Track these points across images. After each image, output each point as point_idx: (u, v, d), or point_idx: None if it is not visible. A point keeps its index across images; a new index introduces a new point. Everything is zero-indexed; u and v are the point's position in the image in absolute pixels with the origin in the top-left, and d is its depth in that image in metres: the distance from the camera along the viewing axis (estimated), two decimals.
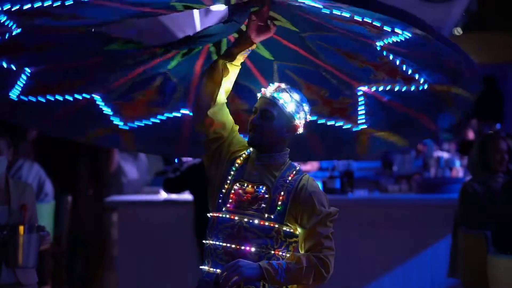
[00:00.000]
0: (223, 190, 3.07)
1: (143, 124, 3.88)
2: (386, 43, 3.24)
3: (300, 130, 3.12)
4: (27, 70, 3.56)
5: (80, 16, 3.19)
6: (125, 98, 3.81)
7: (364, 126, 3.76)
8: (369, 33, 3.19)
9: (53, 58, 3.58)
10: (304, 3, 2.99)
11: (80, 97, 3.74)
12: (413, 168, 7.62)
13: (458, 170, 7.42)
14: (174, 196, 6.53)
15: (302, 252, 2.99)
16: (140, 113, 3.87)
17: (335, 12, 3.00)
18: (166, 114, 3.88)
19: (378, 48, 3.31)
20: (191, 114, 3.76)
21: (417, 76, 3.47)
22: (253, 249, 2.93)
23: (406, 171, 7.47)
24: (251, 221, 2.96)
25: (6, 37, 3.23)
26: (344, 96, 3.72)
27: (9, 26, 3.14)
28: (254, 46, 3.24)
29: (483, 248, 4.80)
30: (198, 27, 4.32)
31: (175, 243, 6.48)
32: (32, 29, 3.25)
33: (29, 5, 2.95)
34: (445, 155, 7.96)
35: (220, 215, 3.03)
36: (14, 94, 3.63)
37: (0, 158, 4.15)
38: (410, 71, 3.44)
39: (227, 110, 3.23)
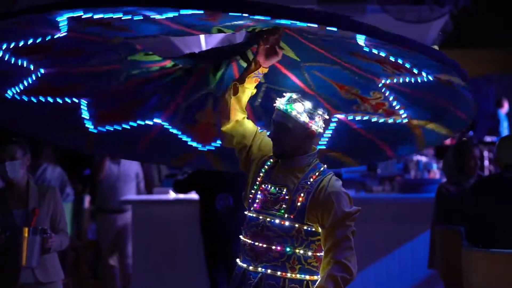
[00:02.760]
0: (252, 191, 3.01)
1: (112, 129, 3.78)
2: (394, 82, 3.17)
3: (320, 130, 2.96)
4: (41, 70, 3.41)
5: (130, 30, 3.07)
6: (112, 105, 3.72)
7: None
8: (379, 71, 3.13)
9: (71, 63, 3.44)
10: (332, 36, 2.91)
11: (69, 101, 3.62)
12: (395, 171, 7.61)
13: (435, 172, 7.44)
14: (182, 196, 6.55)
15: (323, 248, 2.85)
16: (115, 119, 3.76)
17: (374, 51, 2.91)
18: (138, 122, 3.76)
19: (380, 85, 3.26)
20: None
21: (401, 112, 3.42)
22: (274, 247, 2.85)
23: (389, 173, 7.46)
24: (272, 220, 2.87)
25: (47, 39, 3.08)
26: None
27: (59, 28, 2.96)
28: (265, 70, 3.13)
29: (457, 243, 4.82)
30: (203, 46, 4.27)
31: (183, 238, 6.49)
32: (77, 34, 3.09)
33: (101, 15, 2.81)
34: (423, 159, 7.98)
35: (250, 214, 2.98)
36: (11, 92, 3.50)
37: (14, 163, 4.00)
38: (397, 107, 3.40)
39: (247, 122, 3.13)
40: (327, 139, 3.73)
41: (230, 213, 5.91)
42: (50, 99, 3.59)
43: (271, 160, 3.01)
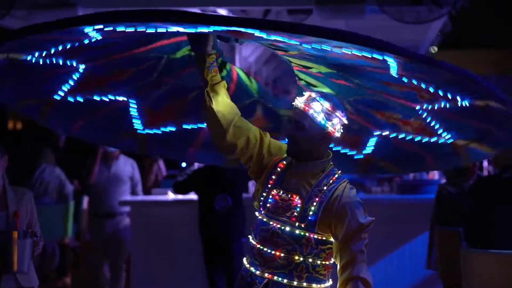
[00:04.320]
0: (264, 194, 2.88)
1: (157, 132, 3.71)
2: (433, 107, 3.11)
3: (337, 134, 2.86)
4: (82, 66, 3.30)
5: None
6: (157, 105, 3.63)
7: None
8: (415, 97, 3.06)
9: (107, 53, 3.27)
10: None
11: (120, 99, 3.53)
12: None
13: (434, 173, 7.44)
14: (181, 197, 6.55)
15: (337, 263, 2.78)
16: (165, 120, 3.69)
17: (404, 80, 2.85)
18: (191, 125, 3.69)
19: (419, 111, 3.21)
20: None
21: (444, 134, 3.38)
22: (282, 255, 2.76)
23: (387, 174, 7.46)
24: (283, 227, 2.78)
25: (79, 44, 2.99)
26: (359, 134, 3.58)
27: (92, 36, 2.89)
28: (212, 57, 2.96)
29: (456, 243, 4.82)
30: None
31: (181, 238, 6.49)
32: (110, 35, 2.96)
33: (123, 28, 2.74)
34: None
35: (260, 217, 2.88)
36: (59, 94, 3.44)
37: None
38: (440, 130, 3.36)
39: (247, 126, 2.98)
40: (372, 148, 3.68)
41: (229, 214, 5.92)
42: (96, 97, 3.51)
43: (284, 162, 2.92)
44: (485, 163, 9.08)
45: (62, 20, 2.62)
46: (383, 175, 7.31)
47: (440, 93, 2.95)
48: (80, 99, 3.50)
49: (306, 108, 2.80)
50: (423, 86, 2.91)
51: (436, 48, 11.03)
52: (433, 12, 6.81)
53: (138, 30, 2.78)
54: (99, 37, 2.91)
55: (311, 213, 2.76)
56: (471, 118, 3.23)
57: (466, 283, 4.43)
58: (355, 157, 3.72)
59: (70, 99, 3.49)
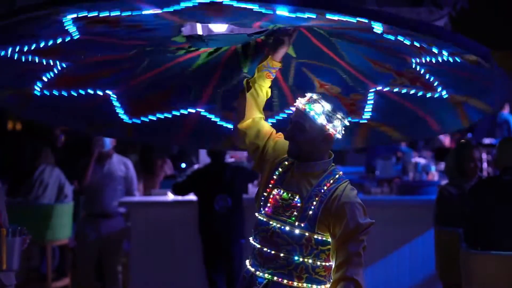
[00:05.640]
0: (265, 194, 2.89)
1: (141, 121, 3.77)
2: (424, 60, 3.10)
3: (339, 136, 2.86)
4: (62, 64, 3.35)
5: (143, 26, 2.98)
6: (141, 96, 3.69)
7: (366, 119, 3.65)
8: (409, 51, 3.05)
9: (92, 52, 3.31)
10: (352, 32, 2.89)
11: (100, 93, 3.59)
12: (394, 173, 7.60)
13: (434, 174, 7.43)
14: (180, 197, 6.54)
15: (332, 262, 2.76)
16: (150, 110, 3.74)
17: (399, 38, 2.84)
18: (173, 112, 3.75)
19: (412, 64, 3.19)
20: (197, 111, 3.73)
21: (439, 89, 3.37)
22: (282, 255, 2.76)
23: (387, 175, 7.44)
24: (282, 227, 2.78)
25: (58, 42, 3.01)
26: (356, 93, 3.59)
27: (68, 31, 2.91)
28: (276, 64, 3.10)
29: (456, 244, 4.82)
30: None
31: (181, 239, 6.49)
32: (88, 37, 3.03)
33: (106, 13, 2.72)
34: (422, 160, 7.97)
35: (260, 217, 2.88)
36: (38, 87, 3.47)
37: None
38: (435, 83, 3.34)
39: (263, 123, 3.08)
40: (370, 111, 3.68)
41: (229, 214, 5.92)
42: (81, 91, 3.55)
43: (286, 162, 2.91)
44: (485, 165, 9.10)
45: (43, 2, 2.62)
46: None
47: (435, 50, 2.94)
48: (60, 93, 3.53)
49: (307, 109, 2.80)
50: (416, 44, 2.91)
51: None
52: (433, 13, 6.82)
53: (116, 15, 2.75)
54: (77, 34, 2.92)
55: (310, 212, 2.75)
56: (465, 72, 3.21)
57: (466, 284, 4.43)
58: (353, 121, 3.69)
59: (47, 92, 3.51)
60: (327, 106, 2.81)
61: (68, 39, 2.99)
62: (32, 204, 7.08)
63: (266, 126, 3.08)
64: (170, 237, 6.53)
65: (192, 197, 6.33)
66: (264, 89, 3.11)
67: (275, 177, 2.89)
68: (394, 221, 6.35)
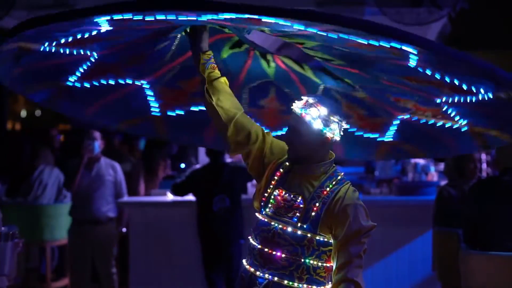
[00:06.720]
0: (266, 194, 2.88)
1: (176, 114, 3.73)
2: (453, 100, 3.11)
3: (337, 138, 2.82)
4: (95, 54, 3.32)
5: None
6: (170, 85, 3.62)
7: (390, 139, 3.73)
8: (436, 91, 3.06)
9: (121, 42, 3.27)
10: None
11: (130, 82, 3.54)
12: (393, 173, 7.61)
13: (433, 174, 7.44)
14: (179, 198, 6.54)
15: (333, 263, 2.76)
16: (180, 101, 3.68)
17: (427, 72, 2.83)
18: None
19: (437, 102, 3.22)
20: None
21: (461, 121, 3.38)
22: (283, 255, 2.76)
23: (386, 176, 7.45)
24: (284, 228, 2.77)
25: (94, 33, 3.00)
26: (380, 116, 3.65)
27: (101, 25, 2.88)
28: (208, 53, 3.01)
29: (455, 245, 4.82)
30: None
31: (180, 240, 6.49)
32: (122, 27, 2.99)
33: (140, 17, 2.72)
34: (421, 161, 7.98)
35: (261, 218, 2.87)
36: (71, 79, 3.46)
37: None
38: (457, 118, 3.36)
39: (247, 120, 3.00)
40: (392, 134, 3.75)
41: (227, 215, 5.92)
42: (111, 81, 3.52)
43: (287, 163, 2.89)
44: (484, 165, 9.10)
45: (75, 10, 2.66)
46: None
47: (464, 87, 2.91)
48: (92, 84, 3.51)
49: (303, 114, 2.78)
50: (447, 80, 2.87)
51: None
52: (433, 13, 6.81)
53: (146, 19, 2.74)
54: (108, 27, 2.90)
55: (313, 213, 2.75)
56: (493, 108, 3.19)
57: (465, 285, 4.43)
58: (378, 139, 3.76)
59: (78, 84, 3.51)
60: (323, 110, 2.77)
61: (102, 30, 2.97)
62: (32, 204, 7.09)
63: (254, 126, 2.99)
64: (169, 238, 6.53)
65: (191, 197, 6.33)
66: (219, 82, 2.99)
67: (276, 177, 2.88)
68: (394, 222, 6.35)
